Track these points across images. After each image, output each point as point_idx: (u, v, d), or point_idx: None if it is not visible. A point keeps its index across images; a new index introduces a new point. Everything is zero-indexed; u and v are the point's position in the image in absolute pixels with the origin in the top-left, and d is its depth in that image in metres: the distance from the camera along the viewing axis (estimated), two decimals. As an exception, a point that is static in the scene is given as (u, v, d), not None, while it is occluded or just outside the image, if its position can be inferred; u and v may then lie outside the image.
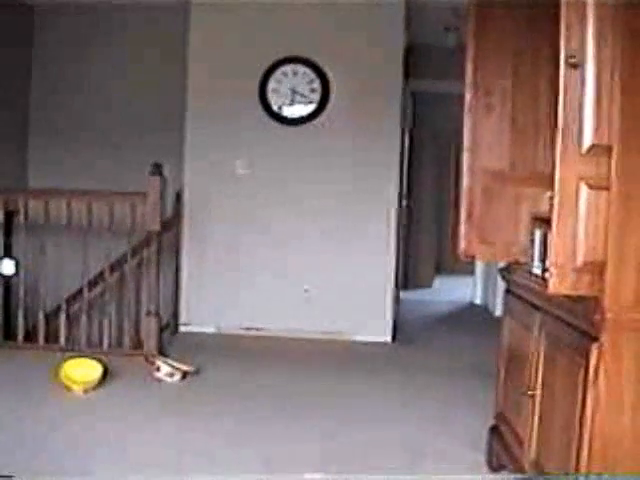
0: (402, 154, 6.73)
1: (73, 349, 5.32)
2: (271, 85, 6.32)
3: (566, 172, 2.29)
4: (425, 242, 10.09)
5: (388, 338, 6.38)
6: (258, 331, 6.39)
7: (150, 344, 5.40)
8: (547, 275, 2.39)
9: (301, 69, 6.30)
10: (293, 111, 6.36)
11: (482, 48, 3.19)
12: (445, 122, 8.96)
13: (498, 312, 6.48)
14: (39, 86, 7.19)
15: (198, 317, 6.47)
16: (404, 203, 7.34)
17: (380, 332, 6.36)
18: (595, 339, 2.30)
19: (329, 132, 6.32)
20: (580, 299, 2.39)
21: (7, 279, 5.72)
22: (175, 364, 4.91)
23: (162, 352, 5.41)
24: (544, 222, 2.71)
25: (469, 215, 3.24)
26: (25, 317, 5.53)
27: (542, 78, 3.11)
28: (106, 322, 5.53)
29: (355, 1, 6.18)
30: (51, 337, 5.56)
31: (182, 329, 6.46)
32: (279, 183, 6.40)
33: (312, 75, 6.28)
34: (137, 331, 5.91)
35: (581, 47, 2.25)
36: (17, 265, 5.63)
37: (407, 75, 6.61)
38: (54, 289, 5.68)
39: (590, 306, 2.33)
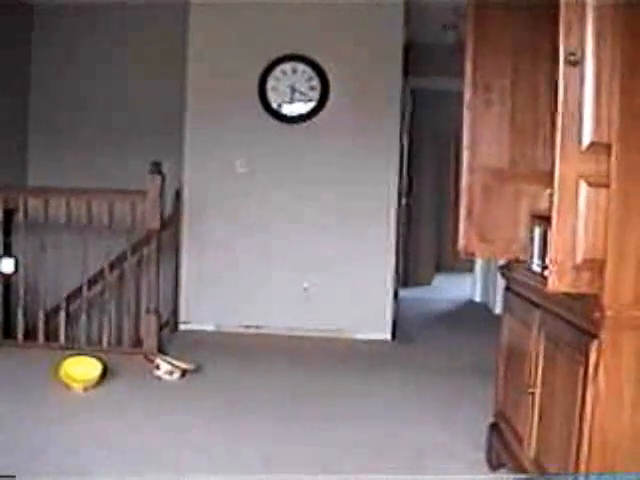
0: (401, 152, 6.73)
1: (73, 347, 5.32)
2: (270, 83, 6.32)
3: (566, 170, 2.29)
4: (425, 240, 10.09)
5: (388, 336, 6.39)
6: (258, 329, 6.40)
7: (150, 342, 5.40)
8: (547, 273, 2.39)
9: (300, 67, 6.29)
10: (292, 109, 6.36)
11: (481, 47, 3.19)
12: (445, 120, 8.96)
13: (498, 310, 6.48)
14: (38, 85, 7.19)
15: (198, 315, 6.47)
16: (404, 201, 7.34)
17: (380, 330, 6.36)
18: (595, 337, 2.30)
19: (328, 130, 6.32)
20: (580, 297, 2.39)
21: (7, 278, 5.72)
22: (175, 362, 4.91)
23: (162, 350, 5.41)
24: (544, 220, 2.71)
25: (469, 213, 3.24)
26: (25, 315, 5.53)
27: (541, 76, 3.11)
28: (106, 320, 5.53)
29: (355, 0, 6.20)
30: (51, 335, 5.56)
31: (182, 327, 6.47)
32: (278, 181, 6.40)
33: (311, 73, 6.28)
34: (137, 329, 5.91)
35: (580, 45, 2.25)
36: (17, 264, 5.63)
37: (406, 73, 6.60)
38: (54, 287, 5.68)
39: (590, 304, 2.33)
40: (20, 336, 5.52)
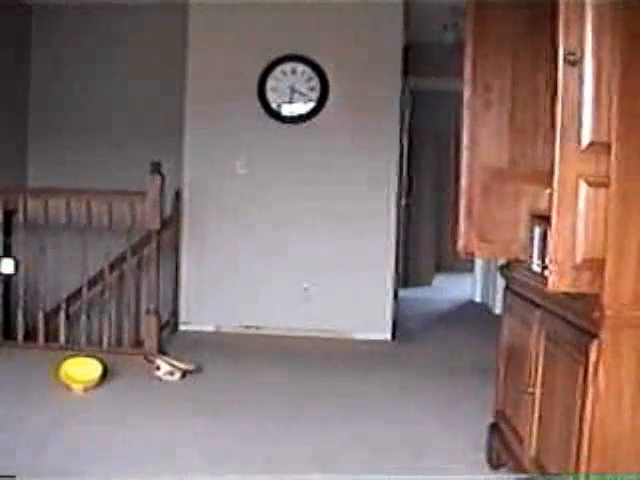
0: (401, 152, 6.73)
1: (73, 348, 5.32)
2: (270, 83, 6.32)
3: (565, 169, 2.29)
4: (425, 240, 10.09)
5: (388, 336, 6.38)
6: (257, 330, 6.40)
7: (150, 343, 5.40)
8: (546, 272, 2.39)
9: (300, 67, 6.29)
10: (292, 109, 6.36)
11: (481, 46, 3.19)
12: (444, 120, 8.96)
13: (498, 310, 6.48)
14: (38, 86, 7.20)
15: (198, 316, 6.47)
16: (403, 201, 7.34)
17: (380, 330, 6.36)
18: (595, 336, 2.30)
19: (328, 130, 6.32)
20: (580, 296, 2.39)
21: (7, 278, 5.72)
22: (175, 363, 4.91)
23: (162, 351, 5.41)
24: (543, 219, 2.71)
25: (468, 213, 3.24)
26: (25, 316, 5.53)
27: (541, 76, 3.10)
28: (106, 321, 5.53)
29: (354, 0, 6.20)
30: (51, 336, 5.56)
31: (182, 328, 6.47)
32: (278, 181, 6.40)
33: (311, 73, 6.28)
34: (137, 330, 5.91)
35: (580, 44, 2.25)
36: (17, 264, 5.63)
37: (406, 73, 6.61)
38: (54, 288, 5.68)
39: (589, 303, 2.33)
40: (20, 337, 5.52)
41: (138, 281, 6.31)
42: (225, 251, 6.43)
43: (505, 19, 3.16)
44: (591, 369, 2.29)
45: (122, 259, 5.90)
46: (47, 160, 7.17)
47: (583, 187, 2.29)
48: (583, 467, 2.32)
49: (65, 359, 4.61)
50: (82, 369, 4.55)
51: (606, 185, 2.24)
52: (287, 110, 6.35)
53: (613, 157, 2.20)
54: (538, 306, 2.90)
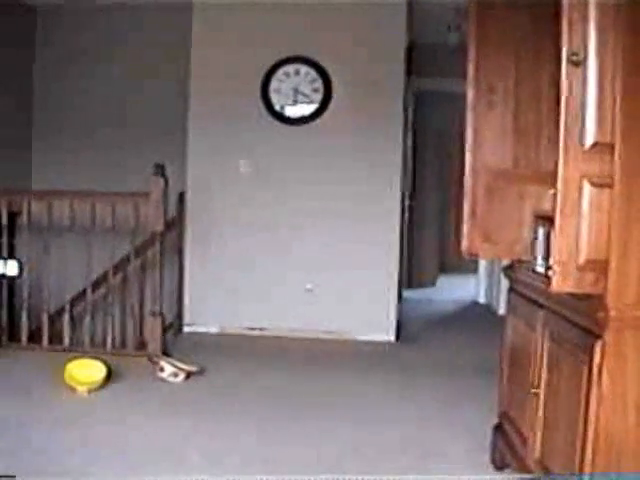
0: (405, 153, 6.73)
1: (77, 350, 5.32)
2: (273, 85, 6.32)
3: (569, 170, 2.28)
4: (428, 241, 10.09)
5: (392, 337, 6.38)
6: (261, 331, 6.40)
7: (154, 344, 5.40)
8: (550, 273, 2.39)
9: (303, 69, 6.30)
10: (295, 111, 6.36)
11: (484, 47, 3.19)
12: (448, 121, 8.92)
13: (502, 311, 6.47)
14: (42, 87, 7.21)
15: (202, 317, 6.48)
16: (407, 202, 7.34)
17: (383, 331, 6.36)
18: (599, 337, 2.30)
19: (331, 132, 6.32)
20: (583, 297, 2.39)
21: (11, 280, 5.72)
22: (179, 364, 4.91)
23: (166, 352, 5.41)
24: (547, 220, 2.71)
25: (472, 213, 3.24)
26: (29, 318, 5.54)
27: (544, 76, 3.10)
28: (110, 323, 5.53)
29: (357, 0, 6.19)
30: (55, 338, 5.57)
31: (186, 329, 6.47)
32: (281, 183, 6.40)
33: (314, 75, 6.29)
34: (141, 331, 5.92)
35: (583, 45, 2.25)
36: (21, 266, 5.64)
37: (409, 74, 6.61)
38: (58, 290, 5.69)
39: (593, 304, 2.32)
40: (24, 338, 5.53)
41: (142, 283, 6.33)
42: (229, 252, 6.44)
43: (508, 20, 3.16)
44: (595, 370, 2.29)
45: (126, 261, 5.91)
46: (51, 162, 7.19)
47: (587, 188, 2.29)
48: (587, 468, 2.32)
49: (69, 361, 4.61)
50: (86, 371, 4.55)
51: (610, 186, 2.23)
52: (290, 111, 6.36)
53: (617, 157, 2.20)
54: (542, 307, 2.89)
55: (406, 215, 7.25)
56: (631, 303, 2.25)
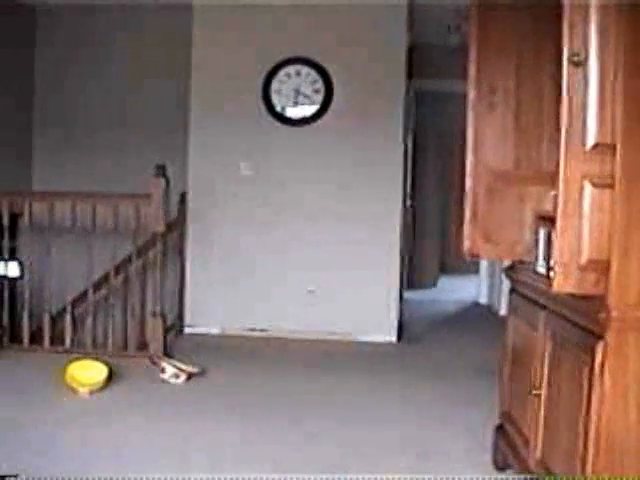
0: (406, 154, 6.73)
1: (78, 351, 5.33)
2: (274, 86, 6.32)
3: (570, 171, 2.28)
4: (429, 242, 10.09)
5: (393, 338, 6.38)
6: (263, 332, 6.40)
7: (155, 345, 5.40)
8: (552, 274, 2.39)
9: (304, 70, 6.30)
10: (296, 112, 6.36)
11: (485, 48, 3.19)
12: (449, 121, 8.96)
13: (503, 311, 6.47)
14: (42, 88, 7.21)
15: (203, 318, 6.48)
16: (408, 203, 7.34)
17: (385, 332, 6.36)
18: (600, 337, 2.30)
19: (332, 133, 6.32)
20: (585, 298, 2.39)
21: (12, 281, 5.73)
22: (180, 365, 4.91)
23: (167, 353, 5.41)
24: (548, 221, 2.71)
25: (473, 214, 3.24)
26: (30, 319, 5.54)
27: (545, 77, 3.10)
28: (111, 324, 5.54)
29: (358, 2, 6.19)
30: (56, 339, 5.57)
31: (187, 330, 6.47)
32: (283, 184, 6.40)
33: (315, 76, 6.29)
34: (142, 333, 5.91)
35: (584, 45, 2.25)
36: (22, 267, 5.64)
37: (410, 75, 6.61)
38: (59, 291, 5.69)
39: (595, 304, 2.32)
40: (26, 340, 5.53)
41: (143, 284, 6.33)
42: (230, 253, 6.44)
43: (509, 21, 3.16)
44: (597, 370, 2.29)
45: (127, 262, 5.91)
46: (52, 163, 7.20)
47: (588, 188, 2.29)
48: (589, 468, 2.32)
49: (70, 362, 4.61)
50: (87, 372, 4.55)
51: (611, 186, 2.23)
52: (291, 112, 6.36)
53: (618, 158, 2.20)
54: (543, 307, 2.89)
55: (407, 215, 7.24)
56: (633, 303, 2.25)
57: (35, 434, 3.78)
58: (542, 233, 2.86)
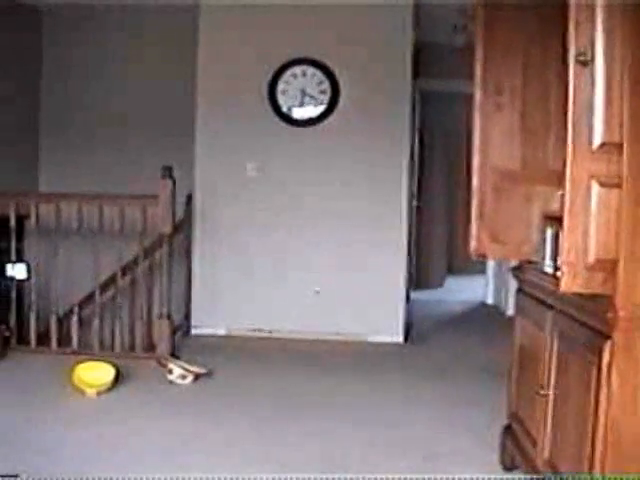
0: (412, 154, 6.72)
1: (86, 352, 5.33)
2: (280, 86, 6.32)
3: (577, 170, 2.28)
4: (436, 242, 10.07)
5: (400, 339, 6.38)
6: (269, 333, 6.40)
7: (162, 347, 5.41)
8: (559, 273, 2.39)
9: (310, 70, 6.30)
10: (303, 112, 6.36)
11: (491, 48, 3.19)
12: (455, 121, 8.94)
13: (510, 311, 6.46)
14: (49, 90, 7.23)
15: (210, 319, 6.48)
16: (415, 203, 7.33)
17: (392, 333, 6.35)
18: (608, 337, 2.29)
19: (339, 133, 6.32)
20: (592, 297, 2.39)
21: (19, 283, 5.74)
22: (187, 366, 4.92)
23: (174, 354, 5.41)
24: (555, 220, 2.71)
25: (480, 214, 3.24)
26: (38, 321, 5.55)
27: (552, 76, 3.10)
28: (118, 325, 5.54)
29: (364, 2, 6.19)
30: (64, 340, 5.58)
31: (194, 331, 6.48)
32: (289, 184, 6.40)
33: (321, 76, 6.29)
34: (149, 334, 5.92)
35: (590, 45, 2.24)
36: (29, 269, 5.65)
37: (416, 75, 6.60)
38: (66, 293, 5.70)
39: (602, 304, 2.32)
40: (33, 341, 5.54)
41: (150, 285, 6.34)
42: (237, 254, 6.44)
43: (515, 21, 3.16)
44: (604, 370, 2.29)
45: (134, 263, 5.91)
46: (58, 164, 7.21)
47: (595, 188, 2.28)
48: (597, 468, 2.31)
49: (78, 363, 4.62)
50: (95, 373, 4.56)
51: (618, 185, 2.23)
52: (298, 113, 6.36)
53: (625, 157, 2.20)
54: (551, 307, 2.89)
55: (414, 216, 7.23)
56: (640, 303, 2.25)
57: (43, 435, 3.79)
58: (549, 233, 2.86)
